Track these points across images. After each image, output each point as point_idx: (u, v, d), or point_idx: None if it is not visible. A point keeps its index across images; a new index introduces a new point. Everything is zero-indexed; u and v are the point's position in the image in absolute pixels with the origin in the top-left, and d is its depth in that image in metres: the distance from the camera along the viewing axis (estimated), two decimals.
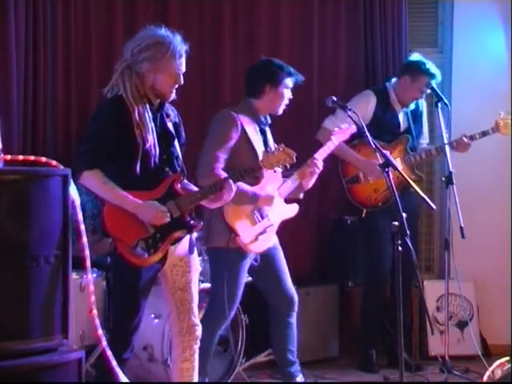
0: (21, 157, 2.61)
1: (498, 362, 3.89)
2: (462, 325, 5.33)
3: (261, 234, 4.15)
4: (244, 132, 4.09)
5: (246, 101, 4.23)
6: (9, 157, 2.55)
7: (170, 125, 3.53)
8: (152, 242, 3.39)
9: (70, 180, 2.48)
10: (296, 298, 4.34)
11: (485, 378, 3.88)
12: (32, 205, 2.36)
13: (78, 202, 2.57)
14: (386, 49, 5.38)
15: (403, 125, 5.03)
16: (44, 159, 2.53)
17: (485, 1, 5.52)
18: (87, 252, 2.66)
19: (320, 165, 4.21)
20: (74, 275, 4.11)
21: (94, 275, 4.09)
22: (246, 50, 5.32)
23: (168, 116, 3.53)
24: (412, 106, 5.04)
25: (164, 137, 3.48)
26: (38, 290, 2.37)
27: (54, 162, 2.53)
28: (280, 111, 4.24)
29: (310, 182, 4.24)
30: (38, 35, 4.82)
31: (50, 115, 4.91)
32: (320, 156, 4.26)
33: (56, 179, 2.44)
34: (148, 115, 3.38)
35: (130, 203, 3.32)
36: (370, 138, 3.78)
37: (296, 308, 4.35)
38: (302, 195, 4.33)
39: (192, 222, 3.51)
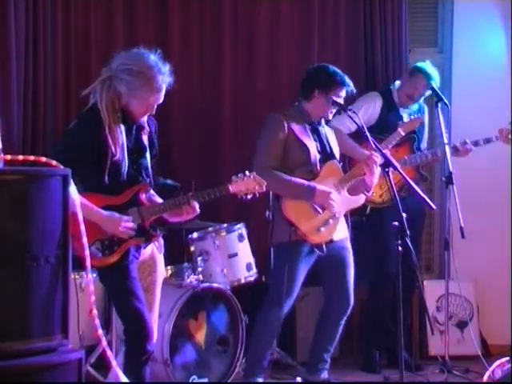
0: (21, 157, 2.60)
1: (498, 362, 3.89)
2: (461, 325, 5.33)
3: (323, 225, 4.23)
4: (292, 131, 4.25)
5: (298, 102, 4.39)
6: (9, 157, 2.54)
7: (144, 137, 3.56)
8: (108, 244, 3.42)
9: (70, 180, 2.47)
10: (352, 302, 4.41)
11: (485, 378, 3.88)
12: (32, 205, 2.36)
13: (78, 202, 2.57)
14: (386, 49, 5.37)
15: None
16: (44, 159, 2.53)
17: (485, 1, 5.52)
18: (87, 252, 2.66)
19: (378, 159, 4.17)
20: (73, 275, 4.13)
21: (94, 275, 4.08)
22: (246, 50, 5.33)
23: (143, 128, 3.55)
24: (415, 108, 5.05)
25: (136, 148, 3.51)
26: (38, 290, 2.37)
27: (54, 162, 2.53)
28: (329, 116, 4.36)
29: (374, 179, 4.24)
30: (38, 36, 4.83)
31: (50, 115, 4.91)
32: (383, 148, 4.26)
33: (56, 179, 2.43)
34: (119, 129, 3.40)
35: (95, 214, 3.35)
36: (370, 138, 3.79)
37: (349, 312, 4.42)
38: (369, 193, 4.34)
39: (151, 231, 3.54)
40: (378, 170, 4.20)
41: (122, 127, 3.43)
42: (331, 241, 4.31)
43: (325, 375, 4.43)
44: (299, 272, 4.27)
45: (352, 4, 5.41)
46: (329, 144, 4.41)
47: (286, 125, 4.27)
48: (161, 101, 3.47)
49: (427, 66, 4.97)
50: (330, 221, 4.27)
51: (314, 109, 4.33)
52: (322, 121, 4.43)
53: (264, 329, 4.33)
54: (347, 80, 4.30)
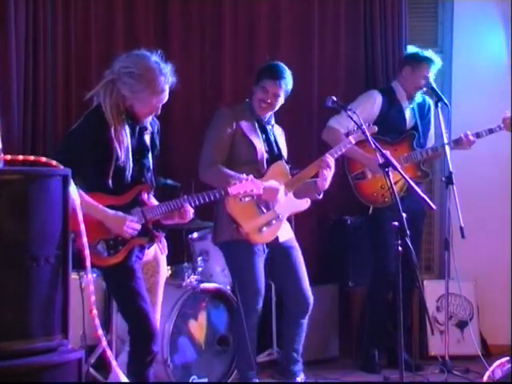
0: (21, 157, 2.61)
1: (498, 362, 3.89)
2: (461, 325, 5.33)
3: (266, 225, 4.18)
4: (240, 128, 4.22)
5: (250, 98, 4.34)
6: (9, 157, 2.55)
7: (146, 137, 3.58)
8: (113, 244, 3.43)
9: (70, 180, 2.48)
10: (311, 300, 4.36)
11: (485, 378, 3.88)
12: (32, 205, 2.36)
13: (78, 201, 2.57)
14: (386, 49, 5.38)
15: (410, 122, 5.03)
16: (44, 159, 2.53)
17: (485, 1, 5.52)
18: (87, 252, 2.66)
19: (331, 163, 4.18)
20: (73, 275, 4.12)
21: (94, 275, 4.09)
22: (246, 49, 5.33)
23: (145, 128, 3.57)
24: (419, 99, 5.03)
25: (139, 149, 3.53)
26: (38, 290, 2.37)
27: (54, 162, 2.53)
28: (258, 112, 4.30)
29: (326, 182, 4.20)
30: (38, 36, 4.83)
31: (50, 115, 4.91)
32: (331, 155, 4.24)
33: (56, 179, 2.44)
34: (125, 132, 3.42)
35: (101, 213, 3.37)
36: (370, 137, 3.79)
37: (310, 310, 4.37)
38: (320, 196, 4.28)
39: (155, 231, 3.56)
40: (330, 174, 4.16)
41: (127, 129, 3.44)
42: (277, 243, 4.26)
43: (302, 379, 4.38)
44: (254, 269, 4.19)
45: (352, 4, 5.41)
46: (277, 145, 4.36)
47: (234, 121, 4.24)
48: (165, 101, 3.48)
49: (422, 51, 4.96)
50: (273, 222, 4.21)
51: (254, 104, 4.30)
52: (272, 119, 4.38)
53: (243, 333, 4.20)
54: (281, 78, 4.22)
